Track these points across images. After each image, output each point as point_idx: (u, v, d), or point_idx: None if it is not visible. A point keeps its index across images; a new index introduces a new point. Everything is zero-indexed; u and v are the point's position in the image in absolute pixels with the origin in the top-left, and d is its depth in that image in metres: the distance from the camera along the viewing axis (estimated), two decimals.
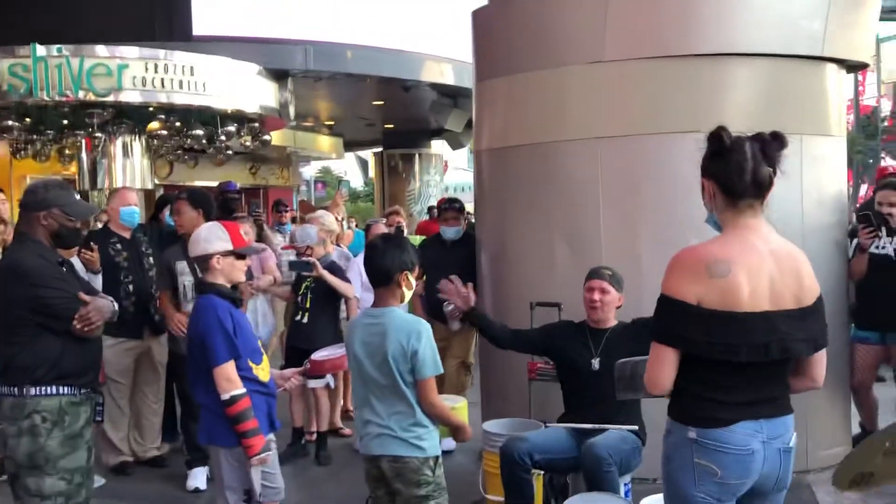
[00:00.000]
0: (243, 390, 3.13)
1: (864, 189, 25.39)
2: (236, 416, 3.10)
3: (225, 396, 3.10)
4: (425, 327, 2.89)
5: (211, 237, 3.31)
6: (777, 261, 2.24)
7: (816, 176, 4.74)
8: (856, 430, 5.30)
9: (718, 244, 2.25)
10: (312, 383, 5.31)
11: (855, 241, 5.14)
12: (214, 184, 10.49)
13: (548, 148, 4.82)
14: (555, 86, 4.80)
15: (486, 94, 5.34)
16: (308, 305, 5.26)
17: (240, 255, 3.36)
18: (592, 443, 3.57)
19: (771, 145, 2.23)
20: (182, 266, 4.84)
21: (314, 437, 5.54)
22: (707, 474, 2.19)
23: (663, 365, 2.23)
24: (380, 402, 2.91)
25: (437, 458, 2.93)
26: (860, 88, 30.35)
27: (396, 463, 2.88)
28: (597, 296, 3.79)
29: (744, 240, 2.23)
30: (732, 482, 2.21)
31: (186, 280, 4.83)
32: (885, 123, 34.42)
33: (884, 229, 4.93)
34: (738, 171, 2.22)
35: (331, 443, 5.58)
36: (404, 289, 2.95)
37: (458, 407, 3.55)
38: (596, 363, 3.77)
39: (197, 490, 4.84)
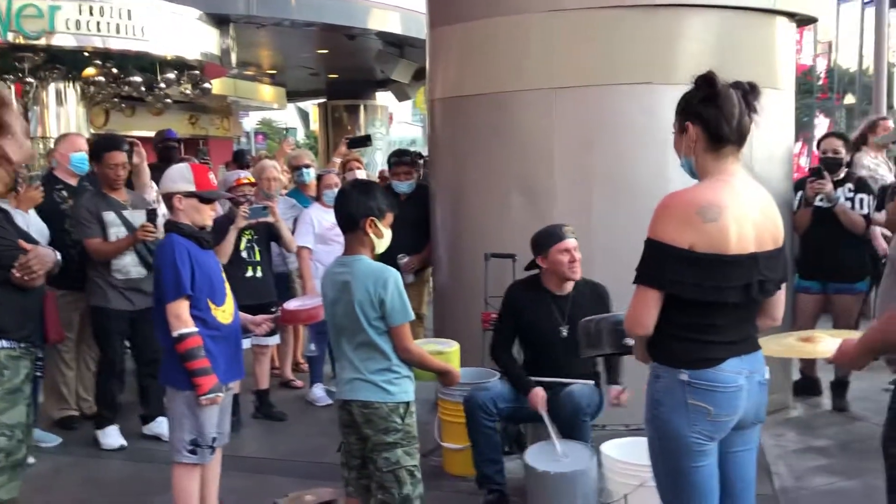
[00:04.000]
0: (193, 329, 3.16)
1: (797, 146, 26.02)
2: (185, 355, 3.14)
3: (174, 334, 3.15)
4: (393, 275, 2.84)
5: (175, 177, 3.32)
6: (758, 203, 2.29)
7: (766, 128, 4.77)
8: (796, 376, 5.49)
9: (706, 189, 2.26)
10: (264, 340, 5.19)
11: (799, 193, 5.26)
12: (152, 133, 10.16)
13: (503, 98, 4.77)
14: (511, 34, 4.73)
15: (440, 41, 5.24)
16: (258, 258, 5.11)
17: (205, 199, 3.33)
18: (572, 392, 3.65)
19: (751, 94, 2.26)
20: (111, 217, 4.64)
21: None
22: (700, 414, 2.25)
23: (648, 306, 2.25)
24: (353, 348, 2.89)
25: (407, 404, 2.92)
26: (797, 47, 30.92)
27: (366, 409, 2.87)
28: (577, 255, 3.70)
29: (728, 184, 2.26)
30: (723, 419, 2.27)
31: (120, 231, 4.64)
32: (820, 82, 35.26)
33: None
34: (728, 118, 2.23)
35: (283, 395, 5.56)
36: (373, 236, 2.89)
37: (449, 351, 3.53)
38: (564, 331, 3.74)
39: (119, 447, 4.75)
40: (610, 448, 3.38)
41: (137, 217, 4.73)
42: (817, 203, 5.09)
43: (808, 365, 5.50)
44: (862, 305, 5.38)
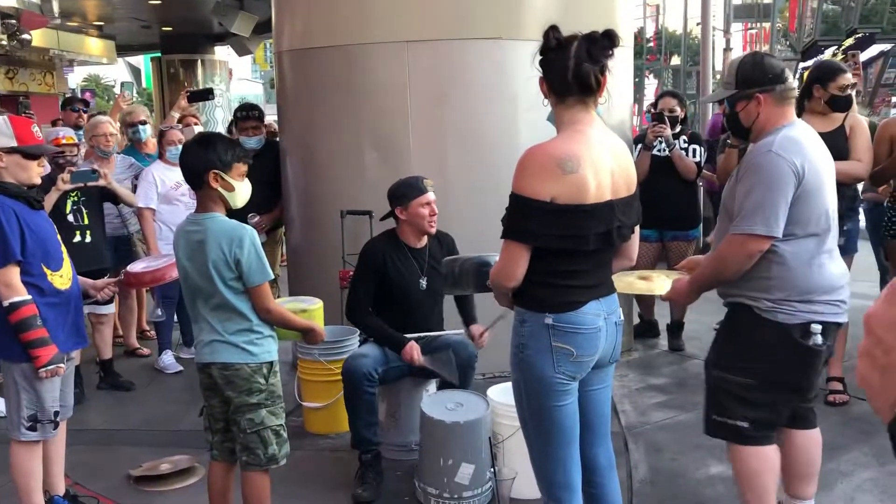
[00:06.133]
0: (26, 297, 2.94)
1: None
2: (18, 325, 2.92)
3: (4, 303, 2.91)
4: (249, 233, 2.73)
5: None
6: (613, 152, 2.37)
7: (609, 81, 5.00)
8: (636, 321, 5.84)
9: (563, 141, 2.31)
10: (100, 309, 4.80)
11: (638, 147, 5.52)
12: None
13: (354, 50, 4.68)
14: None
15: None
16: (86, 222, 4.70)
17: (29, 155, 3.05)
18: (465, 343, 3.72)
19: (598, 44, 2.28)
20: None
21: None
22: (564, 355, 2.33)
23: (519, 260, 2.30)
24: (210, 310, 2.77)
25: (271, 364, 2.86)
26: None
27: (227, 370, 2.78)
28: (435, 209, 3.66)
29: (584, 134, 2.31)
30: (585, 359, 2.37)
31: None
32: (650, 44, 37.19)
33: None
34: (561, 71, 2.28)
35: (129, 364, 5.31)
36: (221, 190, 2.75)
37: (312, 309, 3.43)
38: (423, 283, 3.74)
39: None
40: (494, 393, 3.47)
41: None
42: (655, 152, 5.37)
43: (647, 309, 5.86)
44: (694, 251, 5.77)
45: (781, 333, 2.61)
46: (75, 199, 4.66)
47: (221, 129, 15.36)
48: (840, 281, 2.68)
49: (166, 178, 5.15)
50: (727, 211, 2.72)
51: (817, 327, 2.59)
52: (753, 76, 2.68)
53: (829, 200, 2.64)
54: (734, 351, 2.74)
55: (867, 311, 0.61)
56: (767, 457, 2.76)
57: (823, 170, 2.63)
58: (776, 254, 2.58)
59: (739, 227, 2.56)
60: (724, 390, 2.74)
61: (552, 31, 2.31)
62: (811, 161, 2.57)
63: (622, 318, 2.50)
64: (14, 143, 3.00)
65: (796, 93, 2.86)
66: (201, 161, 2.73)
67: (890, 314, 0.60)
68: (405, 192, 3.66)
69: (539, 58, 2.35)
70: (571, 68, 2.27)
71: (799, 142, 2.59)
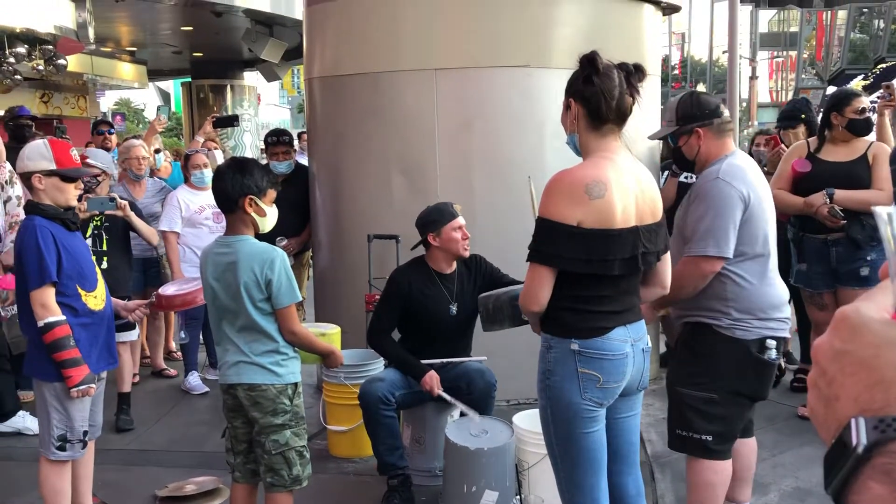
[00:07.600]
0: (60, 318, 2.99)
1: None
2: (52, 345, 2.97)
3: (39, 323, 2.97)
4: (279, 255, 2.78)
5: (33, 155, 3.08)
6: (638, 180, 2.38)
7: (635, 110, 5.01)
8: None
9: (591, 166, 2.33)
10: (123, 336, 4.63)
11: (665, 173, 5.52)
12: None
13: (384, 78, 4.74)
14: (389, 13, 4.71)
15: (317, 18, 5.13)
16: (105, 248, 4.65)
17: (67, 178, 3.11)
18: (483, 370, 3.70)
19: (634, 76, 2.33)
20: None
21: (137, 378, 5.22)
22: (591, 381, 2.33)
23: (543, 283, 2.32)
24: (236, 331, 2.81)
25: (295, 385, 2.88)
26: None
27: (253, 391, 2.80)
28: (466, 232, 3.64)
29: (611, 161, 2.33)
30: (612, 386, 2.37)
31: None
32: (675, 72, 37.21)
33: None
34: (608, 97, 2.30)
35: (156, 385, 5.34)
36: (254, 215, 2.81)
37: (331, 334, 3.47)
38: (454, 308, 3.71)
39: None
40: (520, 420, 3.46)
41: None
42: (682, 179, 5.35)
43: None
44: None
45: (740, 349, 2.79)
46: (98, 223, 4.63)
47: (249, 153, 15.56)
48: (784, 298, 2.90)
49: (191, 202, 5.21)
50: (681, 235, 2.88)
51: (772, 342, 2.80)
52: (692, 112, 2.88)
53: (769, 224, 2.85)
54: (695, 368, 2.88)
55: (815, 341, 0.62)
56: (723, 470, 2.90)
57: (763, 196, 2.83)
58: (730, 275, 2.77)
59: (693, 249, 2.73)
60: (688, 405, 2.87)
61: (598, 56, 2.31)
62: (753, 187, 2.77)
63: (650, 344, 2.49)
64: (53, 167, 3.07)
65: (732, 125, 3.04)
66: (238, 186, 2.78)
67: (832, 345, 0.61)
68: (436, 217, 3.64)
69: (576, 83, 2.35)
70: (616, 96, 2.30)
71: (742, 169, 2.80)
